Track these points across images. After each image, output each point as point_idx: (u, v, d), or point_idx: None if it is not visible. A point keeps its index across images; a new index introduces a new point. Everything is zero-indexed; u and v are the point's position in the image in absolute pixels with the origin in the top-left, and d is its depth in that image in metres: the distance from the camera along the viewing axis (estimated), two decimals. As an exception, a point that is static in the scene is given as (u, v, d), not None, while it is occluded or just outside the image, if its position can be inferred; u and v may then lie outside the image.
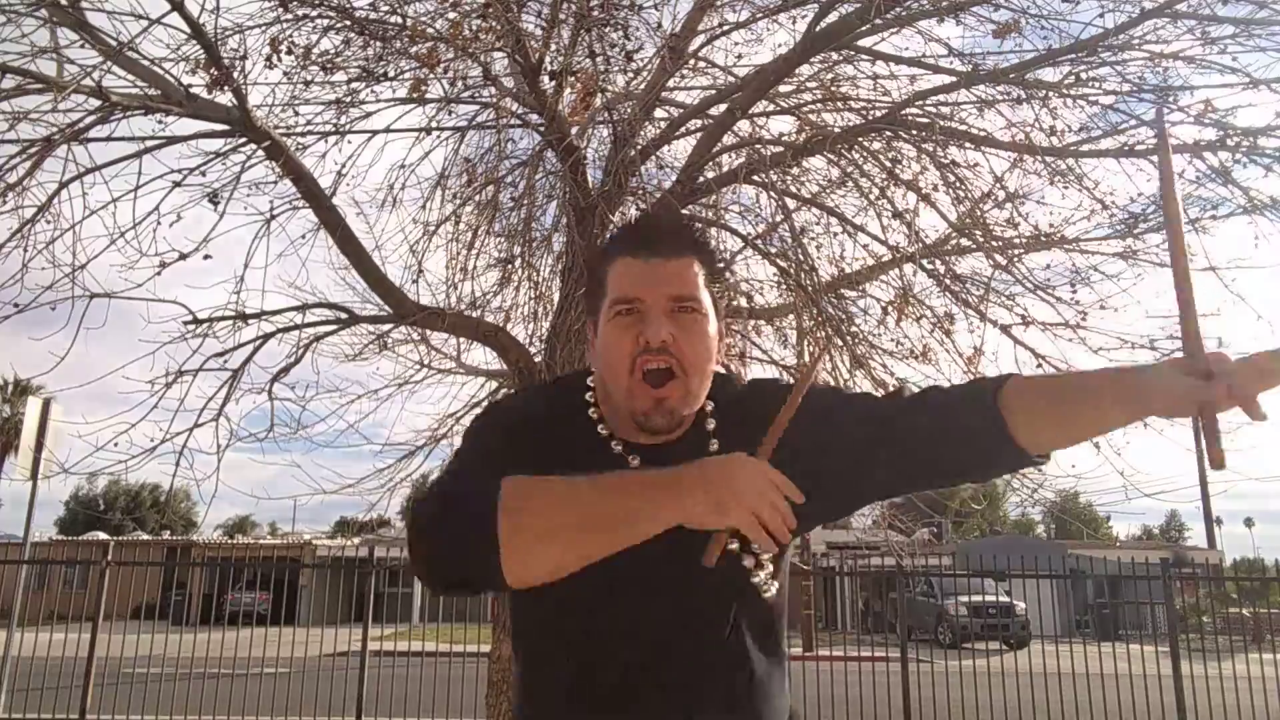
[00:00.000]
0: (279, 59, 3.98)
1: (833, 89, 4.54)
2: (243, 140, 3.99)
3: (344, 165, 4.51)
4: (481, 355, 5.97)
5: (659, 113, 4.95)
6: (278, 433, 4.61)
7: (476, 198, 4.99)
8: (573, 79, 4.16)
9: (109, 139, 3.84)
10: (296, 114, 4.38)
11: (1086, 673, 8.93)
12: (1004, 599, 18.71)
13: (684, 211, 4.22)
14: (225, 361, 4.36)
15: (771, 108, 4.49)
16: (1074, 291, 4.33)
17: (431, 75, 4.16)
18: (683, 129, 4.79)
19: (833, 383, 4.10)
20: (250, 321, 4.37)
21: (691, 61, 4.98)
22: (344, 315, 4.63)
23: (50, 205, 3.77)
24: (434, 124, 4.80)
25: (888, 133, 4.16)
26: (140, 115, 3.71)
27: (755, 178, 4.34)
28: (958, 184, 4.32)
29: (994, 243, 4.30)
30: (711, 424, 1.27)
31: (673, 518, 1.03)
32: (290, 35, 4.04)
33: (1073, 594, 22.37)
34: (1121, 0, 3.59)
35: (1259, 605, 19.58)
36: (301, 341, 4.55)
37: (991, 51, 4.01)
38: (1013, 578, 11.45)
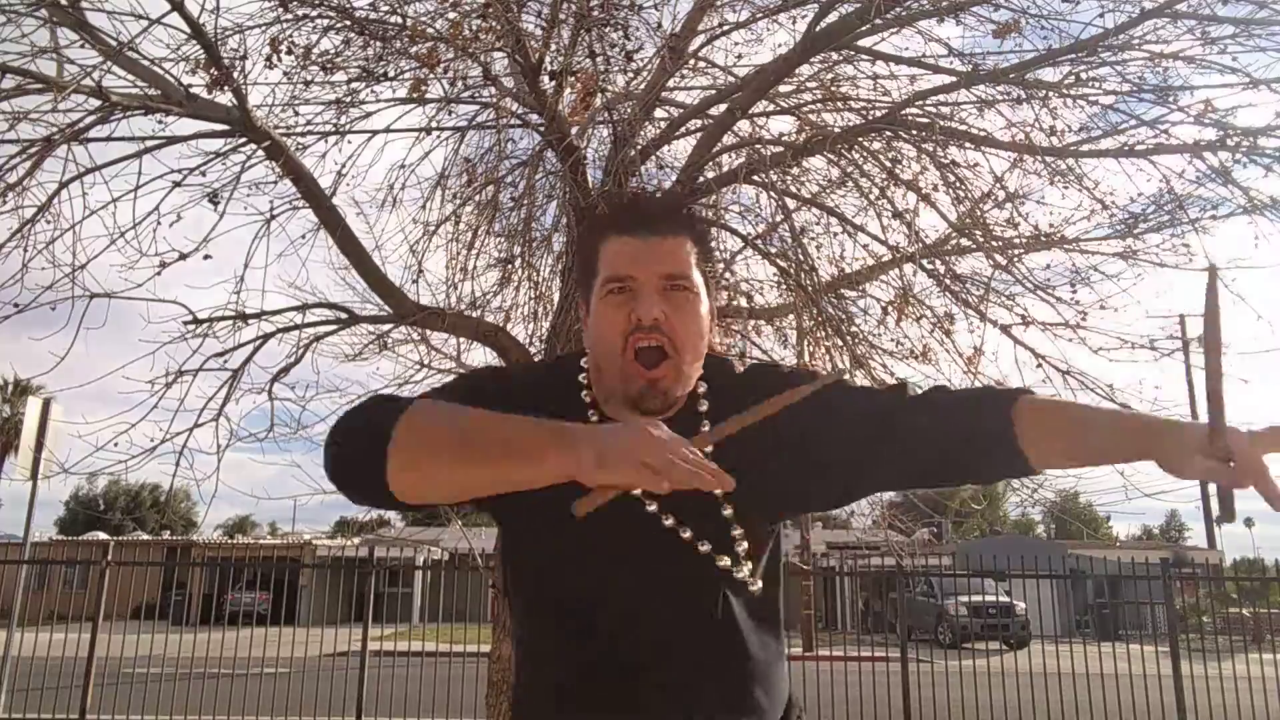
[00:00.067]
0: (279, 59, 3.98)
1: (833, 89, 4.54)
2: (243, 140, 3.99)
3: (344, 165, 4.51)
4: (481, 355, 5.94)
5: (659, 113, 4.95)
6: (278, 433, 4.61)
7: (476, 198, 4.98)
8: (573, 79, 4.15)
9: (109, 139, 3.85)
10: (296, 114, 4.38)
11: (1086, 673, 8.93)
12: (1004, 599, 18.69)
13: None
14: (225, 361, 4.36)
15: (771, 108, 4.49)
16: (1074, 291, 4.34)
17: (431, 75, 4.16)
18: (683, 129, 4.79)
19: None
20: (250, 321, 4.37)
21: (691, 61, 4.98)
22: (344, 315, 4.63)
23: (50, 205, 3.77)
24: (434, 124, 4.80)
25: (888, 133, 4.16)
26: (140, 115, 3.71)
27: (755, 178, 4.34)
28: (958, 184, 4.31)
29: (994, 243, 4.30)
30: (704, 405, 1.27)
31: (558, 465, 0.99)
32: (290, 35, 4.04)
33: (1073, 594, 22.34)
34: (1121, 0, 3.60)
35: (1259, 605, 19.56)
36: (301, 341, 4.55)
37: (991, 51, 4.02)
38: (1013, 578, 11.46)
